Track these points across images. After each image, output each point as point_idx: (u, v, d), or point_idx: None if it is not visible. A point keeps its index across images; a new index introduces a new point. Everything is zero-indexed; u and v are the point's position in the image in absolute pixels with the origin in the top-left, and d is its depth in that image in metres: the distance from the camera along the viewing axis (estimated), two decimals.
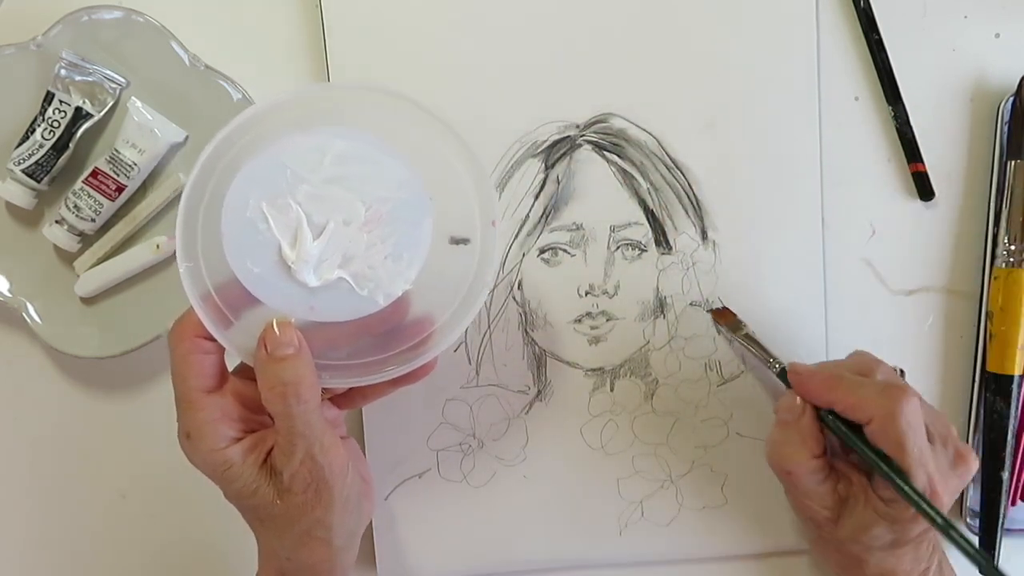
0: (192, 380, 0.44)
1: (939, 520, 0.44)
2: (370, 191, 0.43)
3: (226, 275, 0.43)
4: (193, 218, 0.43)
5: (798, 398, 0.49)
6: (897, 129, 0.56)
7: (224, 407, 0.44)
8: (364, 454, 0.56)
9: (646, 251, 0.56)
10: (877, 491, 0.47)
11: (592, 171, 0.55)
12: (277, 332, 0.42)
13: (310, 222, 0.43)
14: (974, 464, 0.47)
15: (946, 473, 0.46)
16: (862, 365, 0.50)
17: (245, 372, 0.46)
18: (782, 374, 0.51)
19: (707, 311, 0.56)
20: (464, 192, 0.44)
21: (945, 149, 0.57)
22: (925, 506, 0.44)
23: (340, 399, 0.49)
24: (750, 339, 0.54)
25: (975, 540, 0.56)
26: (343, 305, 0.44)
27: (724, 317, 0.55)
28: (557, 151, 0.55)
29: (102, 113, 0.52)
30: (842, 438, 0.47)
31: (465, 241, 0.45)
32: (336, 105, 0.45)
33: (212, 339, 0.43)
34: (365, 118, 0.44)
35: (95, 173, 0.52)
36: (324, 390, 0.46)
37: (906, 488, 0.45)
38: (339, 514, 0.45)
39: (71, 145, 0.52)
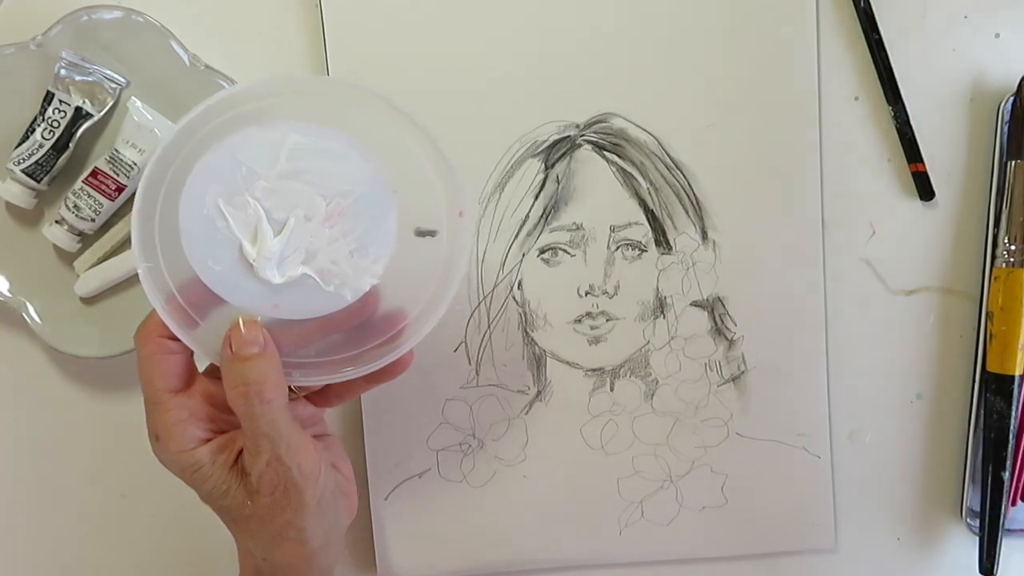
0: (158, 381, 0.43)
1: None
2: (330, 185, 0.42)
3: (189, 274, 0.42)
4: (150, 217, 0.41)
5: None
6: (897, 129, 0.56)
7: (192, 408, 0.44)
8: (364, 454, 0.56)
9: (646, 251, 0.56)
10: None
11: (592, 171, 0.55)
12: (243, 331, 0.42)
13: (270, 218, 0.42)
14: None
15: None
16: None
17: (215, 372, 0.45)
18: None
19: None
20: (428, 183, 0.43)
21: (945, 149, 0.56)
22: None
23: (316, 397, 0.49)
24: None
25: (975, 540, 0.56)
26: (309, 302, 0.43)
27: None
28: (557, 151, 0.55)
29: (102, 113, 0.52)
30: None
31: (432, 233, 0.44)
32: (292, 98, 0.44)
33: (177, 339, 0.42)
34: (323, 111, 0.43)
35: (95, 173, 0.52)
36: (298, 388, 0.45)
37: None
38: (311, 516, 0.44)
39: (71, 145, 0.52)
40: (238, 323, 0.42)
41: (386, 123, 0.43)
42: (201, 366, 0.46)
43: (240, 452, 0.43)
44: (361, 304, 0.44)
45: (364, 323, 0.45)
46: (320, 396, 0.49)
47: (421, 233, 0.44)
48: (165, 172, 0.41)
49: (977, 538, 0.56)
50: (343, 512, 0.48)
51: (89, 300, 0.54)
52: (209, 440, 0.44)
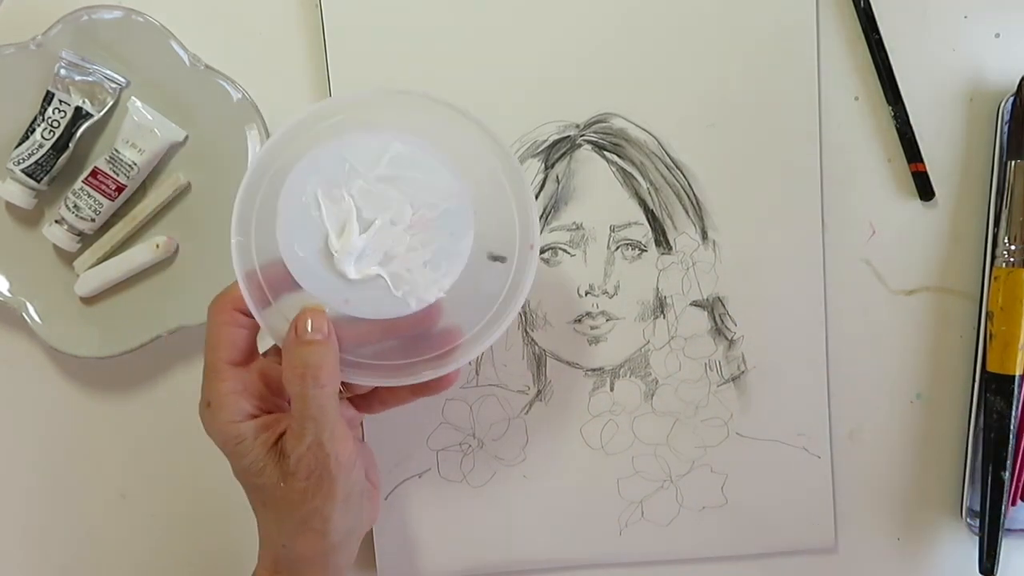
0: (222, 351, 0.45)
1: None
2: (420, 196, 0.44)
3: (272, 255, 0.44)
4: (252, 194, 0.44)
5: None
6: (897, 129, 0.56)
7: (247, 382, 0.46)
8: None
9: (646, 251, 0.56)
10: None
11: (592, 171, 0.55)
12: (310, 319, 0.43)
13: (359, 216, 0.44)
14: None
15: None
16: None
17: (274, 354, 0.47)
18: None
19: None
20: (508, 212, 0.45)
21: (945, 149, 0.56)
22: None
23: (359, 401, 0.50)
24: None
25: (975, 540, 0.56)
26: (377, 303, 0.44)
27: None
28: (557, 151, 0.55)
29: (102, 113, 0.52)
30: None
31: (502, 259, 0.45)
32: (401, 110, 0.46)
33: (249, 315, 0.44)
34: (424, 125, 0.45)
35: (95, 173, 0.52)
36: (346, 387, 0.47)
37: None
38: (339, 509, 0.45)
39: (71, 145, 0.52)
40: (307, 310, 0.43)
41: (479, 147, 0.45)
42: (262, 347, 0.47)
43: (281, 435, 0.45)
44: (423, 314, 0.45)
45: (421, 334, 0.46)
46: (363, 400, 0.50)
47: (493, 258, 0.45)
48: (274, 159, 0.44)
49: (977, 538, 0.56)
50: (365, 517, 0.49)
51: (89, 300, 0.54)
52: (256, 417, 0.45)
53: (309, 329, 0.43)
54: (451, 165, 0.44)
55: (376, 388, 0.49)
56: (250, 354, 0.46)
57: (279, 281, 0.44)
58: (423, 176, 0.44)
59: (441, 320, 0.46)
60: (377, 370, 0.45)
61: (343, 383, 0.45)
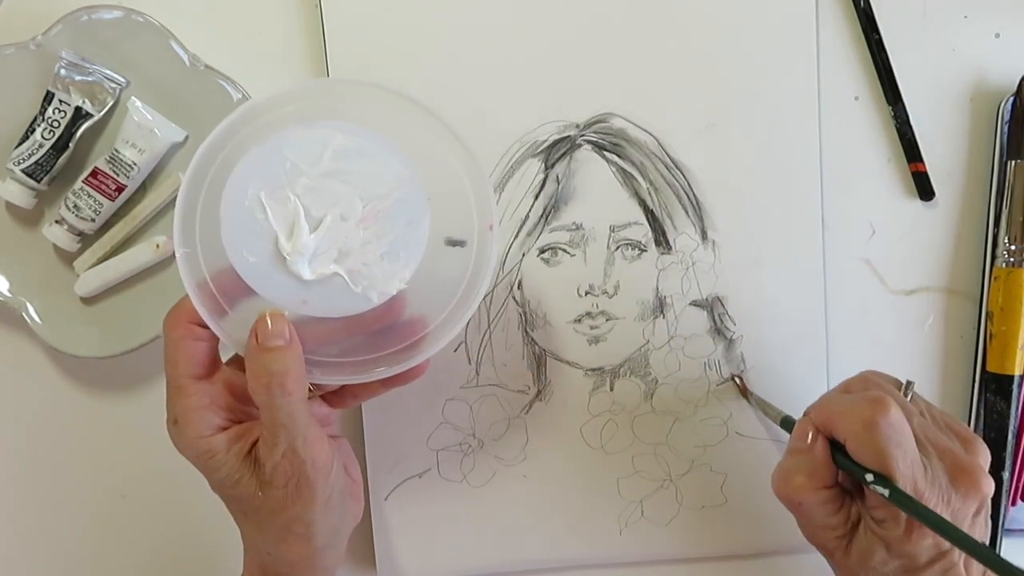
0: (182, 366, 0.44)
1: (920, 512, 0.41)
2: (369, 188, 0.43)
3: (223, 264, 0.43)
4: (192, 204, 0.42)
5: (811, 426, 0.46)
6: (897, 129, 0.56)
7: (213, 395, 0.44)
8: (364, 454, 0.56)
9: (646, 251, 0.56)
10: (871, 512, 0.44)
11: (592, 171, 0.55)
12: (269, 323, 0.42)
13: (308, 215, 0.43)
14: (981, 481, 0.43)
15: (944, 489, 0.43)
16: (857, 383, 0.47)
17: (238, 363, 0.46)
18: (784, 423, 0.51)
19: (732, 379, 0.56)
20: (463, 194, 0.44)
21: (945, 149, 0.57)
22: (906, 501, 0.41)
23: (332, 397, 0.49)
24: (757, 401, 0.55)
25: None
26: (337, 301, 0.43)
27: (740, 388, 0.56)
28: (557, 151, 0.55)
29: (102, 113, 0.52)
30: (832, 457, 0.45)
31: (461, 244, 0.45)
32: (339, 101, 0.45)
33: (206, 326, 0.43)
34: (367, 115, 0.44)
35: (95, 173, 0.52)
36: (315, 387, 0.46)
37: (884, 488, 0.42)
38: (320, 511, 0.44)
39: (71, 145, 0.52)
40: (266, 315, 0.42)
41: (426, 132, 0.44)
42: (225, 357, 0.46)
43: (255, 443, 0.44)
44: (386, 308, 0.44)
45: (386, 327, 0.45)
46: (335, 396, 0.49)
47: (451, 243, 0.45)
48: (211, 163, 0.43)
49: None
50: (349, 514, 0.48)
51: (89, 300, 0.54)
52: (226, 429, 0.44)
53: (270, 334, 0.42)
54: (398, 152, 0.43)
55: None
56: (212, 366, 0.45)
57: (233, 288, 0.43)
58: (370, 167, 0.43)
59: (405, 311, 0.45)
60: (345, 368, 0.44)
61: (312, 383, 0.44)
